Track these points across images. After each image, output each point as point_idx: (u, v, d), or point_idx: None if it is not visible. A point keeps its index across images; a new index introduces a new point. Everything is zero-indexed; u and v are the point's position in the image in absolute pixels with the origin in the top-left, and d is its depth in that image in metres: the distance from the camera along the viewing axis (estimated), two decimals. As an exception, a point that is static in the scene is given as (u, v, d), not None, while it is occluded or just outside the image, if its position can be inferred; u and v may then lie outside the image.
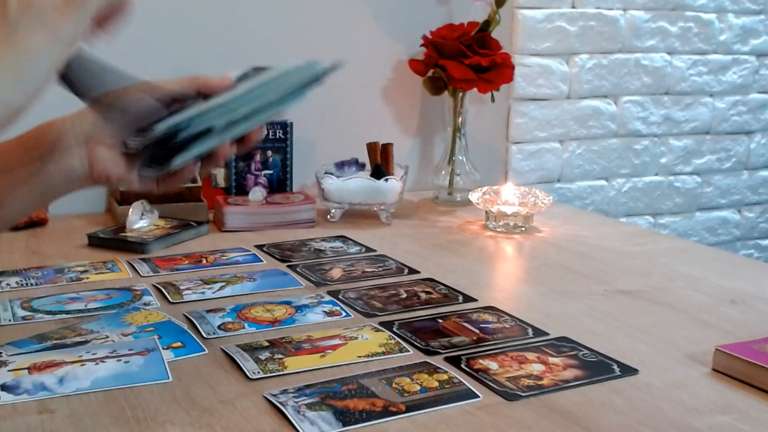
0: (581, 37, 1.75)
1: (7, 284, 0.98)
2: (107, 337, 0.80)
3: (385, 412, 0.65)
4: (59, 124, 0.65)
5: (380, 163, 1.38)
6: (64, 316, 0.87)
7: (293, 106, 0.68)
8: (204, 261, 1.10)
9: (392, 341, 0.81)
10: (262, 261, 1.11)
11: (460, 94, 1.50)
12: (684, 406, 0.69)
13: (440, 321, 0.88)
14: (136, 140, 0.65)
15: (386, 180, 1.33)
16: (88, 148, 0.64)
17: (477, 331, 0.85)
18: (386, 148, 1.39)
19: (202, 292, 0.95)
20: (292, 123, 1.42)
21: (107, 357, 0.75)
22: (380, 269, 1.08)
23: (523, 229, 1.29)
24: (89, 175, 0.65)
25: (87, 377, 0.71)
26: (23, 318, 0.86)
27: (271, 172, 1.43)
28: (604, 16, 1.76)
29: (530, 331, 0.85)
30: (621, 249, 1.21)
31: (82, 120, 0.65)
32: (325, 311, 0.90)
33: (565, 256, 1.16)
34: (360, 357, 0.77)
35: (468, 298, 0.96)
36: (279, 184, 1.43)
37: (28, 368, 0.72)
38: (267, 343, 0.79)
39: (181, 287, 0.97)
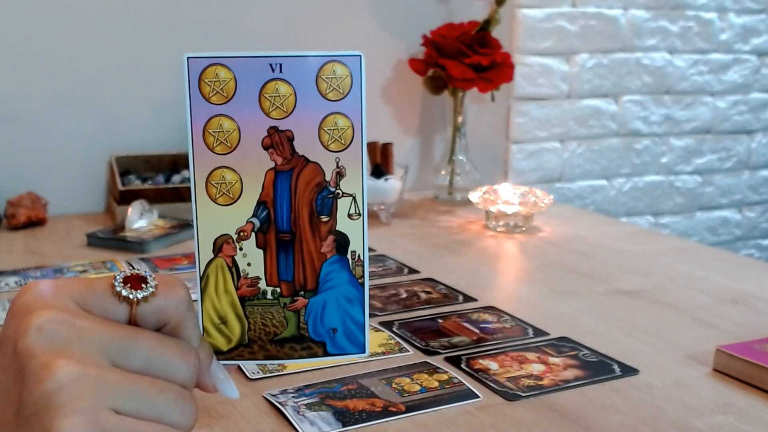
0: (582, 37, 1.74)
1: (6, 284, 0.98)
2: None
3: (385, 413, 0.65)
4: None
5: (380, 162, 1.38)
6: (63, 316, 0.87)
7: None
8: (203, 261, 1.09)
9: (392, 341, 0.81)
10: (261, 261, 1.10)
11: (460, 94, 1.50)
12: (685, 406, 0.68)
13: (440, 321, 0.88)
14: None
15: (386, 179, 1.33)
16: None
17: (477, 331, 0.85)
18: (386, 148, 1.39)
19: (202, 292, 0.95)
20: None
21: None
22: (380, 269, 1.08)
23: (524, 228, 1.29)
24: None
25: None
26: (22, 318, 0.86)
27: (270, 171, 1.42)
28: (604, 16, 1.76)
29: (530, 331, 0.85)
30: (622, 249, 1.20)
31: None
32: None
33: (565, 255, 1.16)
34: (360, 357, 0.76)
35: (468, 298, 0.96)
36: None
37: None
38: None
39: (181, 287, 0.97)
